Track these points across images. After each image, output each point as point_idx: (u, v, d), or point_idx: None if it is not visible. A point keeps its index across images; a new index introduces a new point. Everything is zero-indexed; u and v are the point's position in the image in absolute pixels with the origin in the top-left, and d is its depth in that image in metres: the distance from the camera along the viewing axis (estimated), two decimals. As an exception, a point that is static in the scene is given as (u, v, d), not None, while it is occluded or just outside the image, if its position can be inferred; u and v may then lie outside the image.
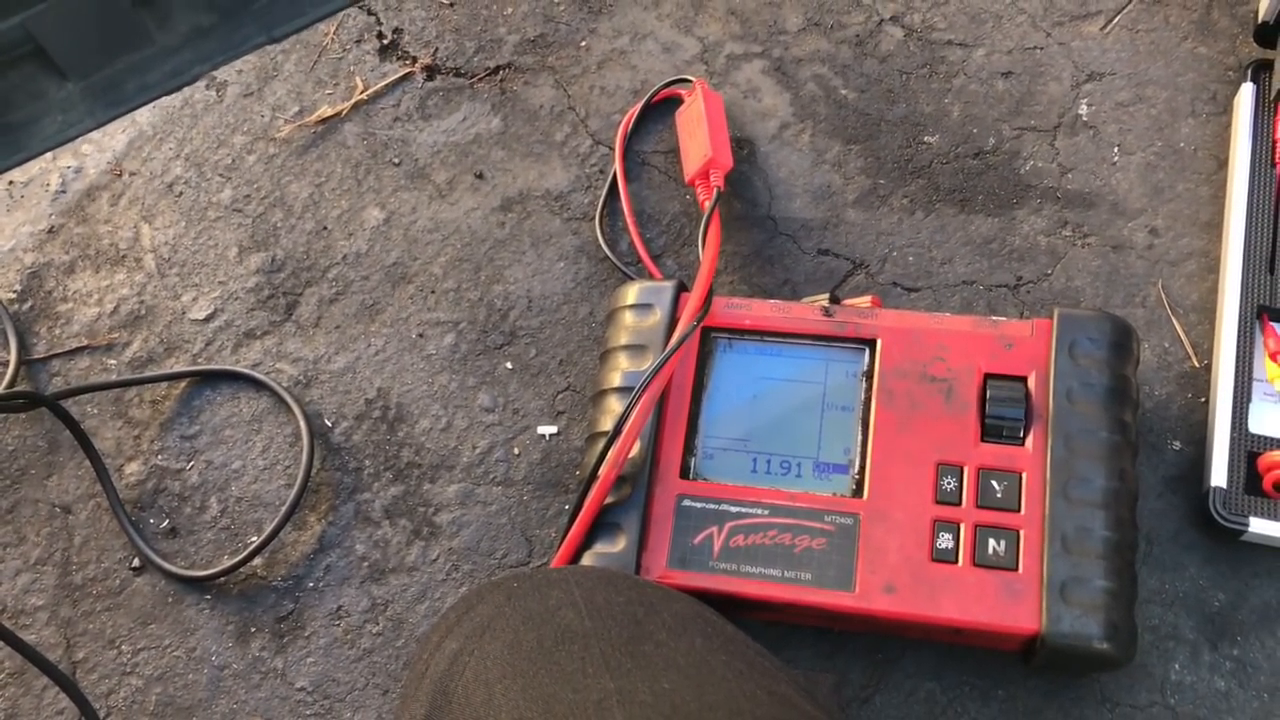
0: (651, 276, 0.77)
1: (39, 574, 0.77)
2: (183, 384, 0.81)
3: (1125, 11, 0.82)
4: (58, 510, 0.78)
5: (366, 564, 0.74)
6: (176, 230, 0.86)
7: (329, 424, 0.78)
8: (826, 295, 0.71)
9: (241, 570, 0.75)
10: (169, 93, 0.41)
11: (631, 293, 0.71)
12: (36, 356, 0.83)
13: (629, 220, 0.80)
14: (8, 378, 0.81)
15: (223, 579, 0.75)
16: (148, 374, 0.81)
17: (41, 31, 0.39)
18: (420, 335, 0.80)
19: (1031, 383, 0.65)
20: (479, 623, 0.55)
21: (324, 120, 0.88)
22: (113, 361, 0.82)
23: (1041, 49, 0.82)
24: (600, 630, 0.53)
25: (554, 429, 0.76)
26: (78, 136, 0.39)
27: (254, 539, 0.75)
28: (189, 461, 0.78)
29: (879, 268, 0.77)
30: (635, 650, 0.52)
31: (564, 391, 0.77)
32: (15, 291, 0.85)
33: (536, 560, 0.73)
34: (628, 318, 0.71)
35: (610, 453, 0.64)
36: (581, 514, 0.65)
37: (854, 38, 0.84)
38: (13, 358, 0.82)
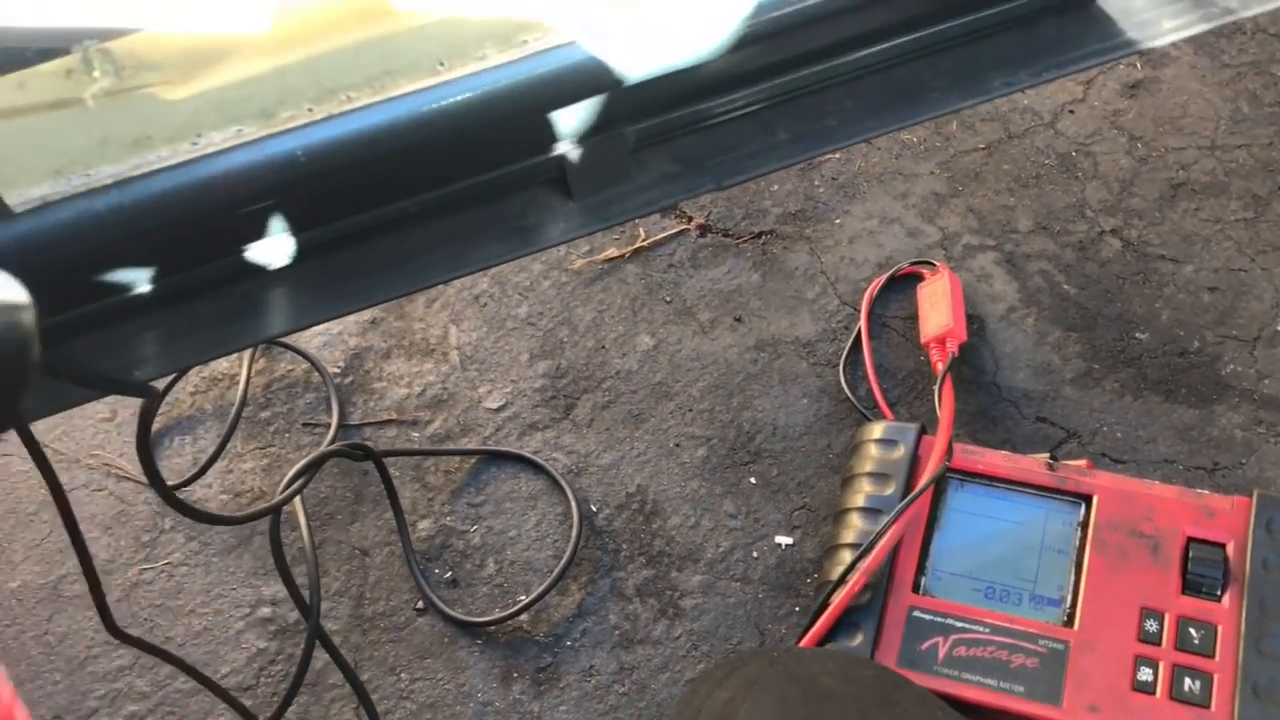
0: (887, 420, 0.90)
1: (336, 604, 0.90)
2: (473, 460, 0.95)
3: (1323, 248, 0.95)
4: (357, 552, 0.92)
5: (618, 633, 0.86)
6: (479, 334, 1.02)
7: (594, 509, 0.91)
8: (1047, 454, 0.83)
9: (510, 623, 0.87)
10: (640, 217, 0.55)
11: (878, 429, 0.84)
12: (352, 423, 0.98)
13: (869, 370, 0.93)
14: (329, 437, 0.97)
15: (493, 628, 0.87)
16: (446, 448, 0.95)
17: (567, 163, 0.54)
18: (677, 445, 0.94)
19: (1230, 549, 0.75)
20: (747, 678, 0.66)
21: (610, 260, 1.04)
22: (415, 434, 0.97)
23: (1245, 271, 0.94)
24: (856, 694, 0.63)
25: (790, 540, 0.88)
26: (571, 241, 0.53)
27: (523, 597, 0.88)
28: (473, 525, 0.92)
29: (1090, 439, 0.88)
30: (888, 713, 0.62)
31: (800, 509, 0.89)
32: (339, 367, 1.02)
33: (767, 650, 0.84)
34: (873, 450, 0.83)
35: (863, 563, 0.76)
36: (829, 609, 0.76)
37: (1077, 243, 0.98)
38: (334, 421, 0.98)
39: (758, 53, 0.51)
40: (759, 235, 1.04)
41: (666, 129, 0.55)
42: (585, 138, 0.53)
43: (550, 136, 0.53)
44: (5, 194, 0.41)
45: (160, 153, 0.42)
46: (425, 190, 0.53)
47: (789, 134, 0.55)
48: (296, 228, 0.51)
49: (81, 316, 0.51)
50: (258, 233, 0.50)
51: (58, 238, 0.43)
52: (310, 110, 0.44)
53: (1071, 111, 1.08)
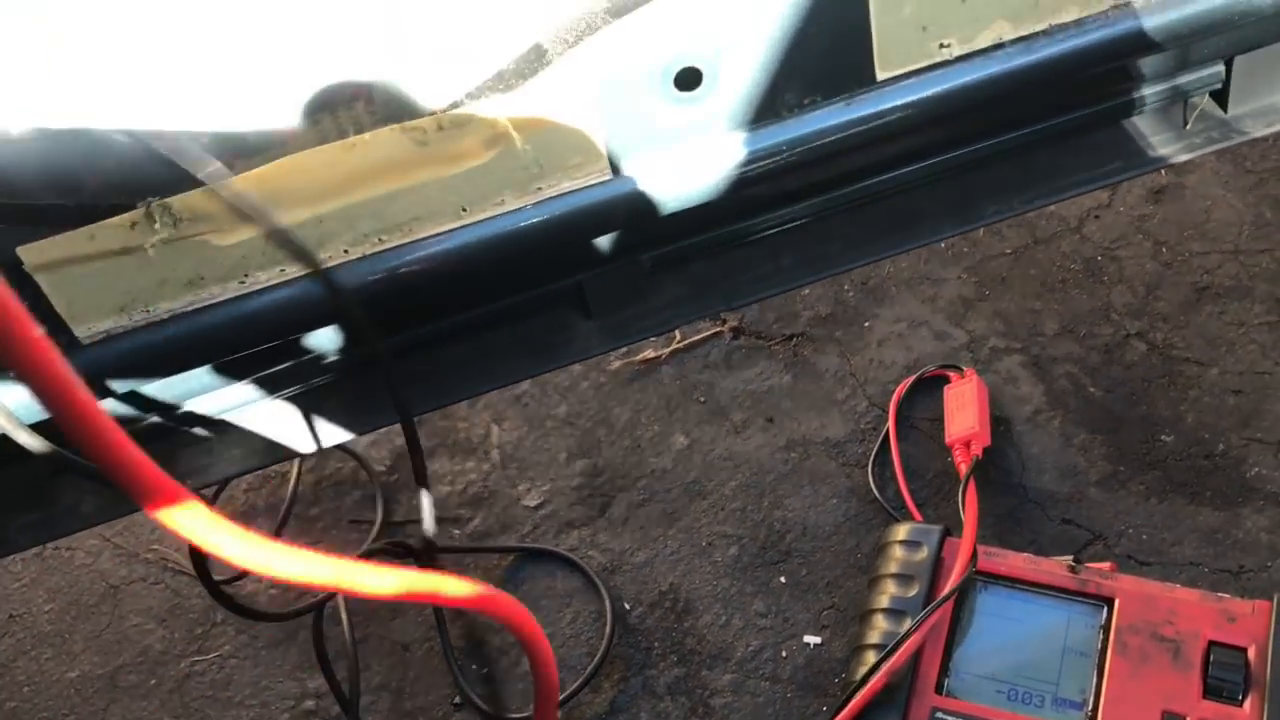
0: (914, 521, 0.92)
1: (377, 697, 0.93)
2: (511, 557, 0.98)
3: (1347, 351, 0.96)
4: (398, 647, 0.95)
5: (648, 730, 0.88)
6: (520, 433, 1.06)
7: (627, 607, 0.94)
8: (1070, 557, 0.84)
9: None
10: (656, 335, 0.59)
11: (903, 531, 0.86)
12: (396, 520, 1.02)
13: (898, 471, 0.95)
14: (374, 533, 1.01)
15: (527, 724, 0.90)
16: (486, 545, 0.99)
17: (587, 287, 0.58)
18: (709, 543, 0.96)
19: (1251, 654, 0.76)
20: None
21: (646, 361, 1.08)
22: (457, 531, 1.01)
23: (1270, 374, 0.95)
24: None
25: (819, 639, 0.90)
26: (587, 359, 0.57)
27: (557, 694, 0.90)
28: (510, 622, 0.95)
29: (1115, 541, 0.89)
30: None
31: (829, 609, 0.91)
32: (385, 465, 1.06)
33: (795, 749, 0.85)
34: (898, 551, 0.85)
35: (886, 664, 0.78)
36: (848, 707, 0.77)
37: (1103, 346, 1.00)
38: (379, 518, 1.02)
39: (764, 188, 0.55)
40: (790, 338, 1.07)
41: (680, 255, 0.59)
42: (603, 263, 0.57)
43: (570, 265, 0.57)
44: (75, 328, 0.46)
45: (212, 290, 0.47)
46: (453, 314, 0.57)
47: (794, 259, 0.59)
48: (335, 351, 0.55)
49: (140, 432, 0.56)
50: (303, 354, 0.55)
51: (120, 366, 0.47)
52: (346, 252, 0.48)
53: (1097, 217, 1.10)
